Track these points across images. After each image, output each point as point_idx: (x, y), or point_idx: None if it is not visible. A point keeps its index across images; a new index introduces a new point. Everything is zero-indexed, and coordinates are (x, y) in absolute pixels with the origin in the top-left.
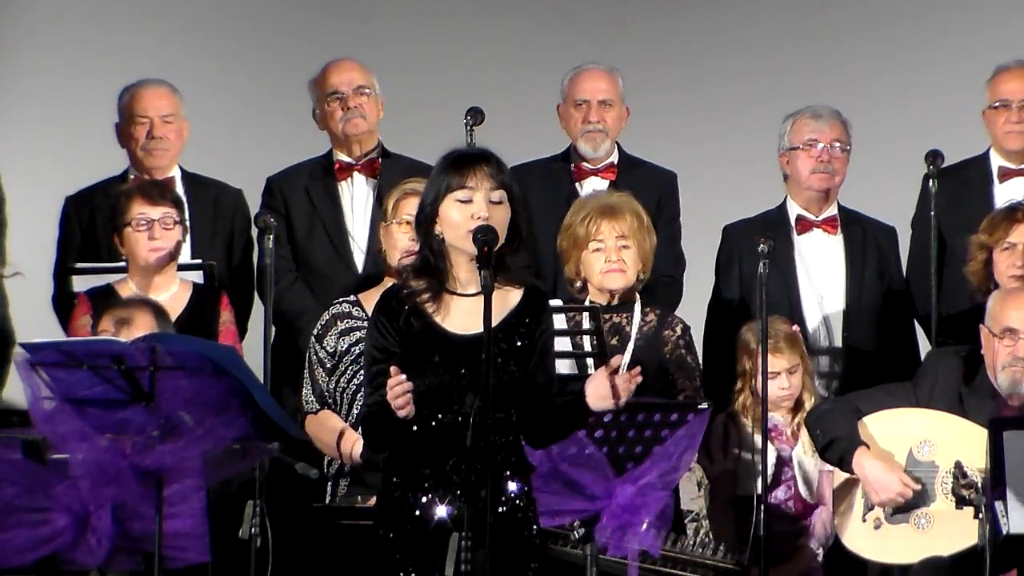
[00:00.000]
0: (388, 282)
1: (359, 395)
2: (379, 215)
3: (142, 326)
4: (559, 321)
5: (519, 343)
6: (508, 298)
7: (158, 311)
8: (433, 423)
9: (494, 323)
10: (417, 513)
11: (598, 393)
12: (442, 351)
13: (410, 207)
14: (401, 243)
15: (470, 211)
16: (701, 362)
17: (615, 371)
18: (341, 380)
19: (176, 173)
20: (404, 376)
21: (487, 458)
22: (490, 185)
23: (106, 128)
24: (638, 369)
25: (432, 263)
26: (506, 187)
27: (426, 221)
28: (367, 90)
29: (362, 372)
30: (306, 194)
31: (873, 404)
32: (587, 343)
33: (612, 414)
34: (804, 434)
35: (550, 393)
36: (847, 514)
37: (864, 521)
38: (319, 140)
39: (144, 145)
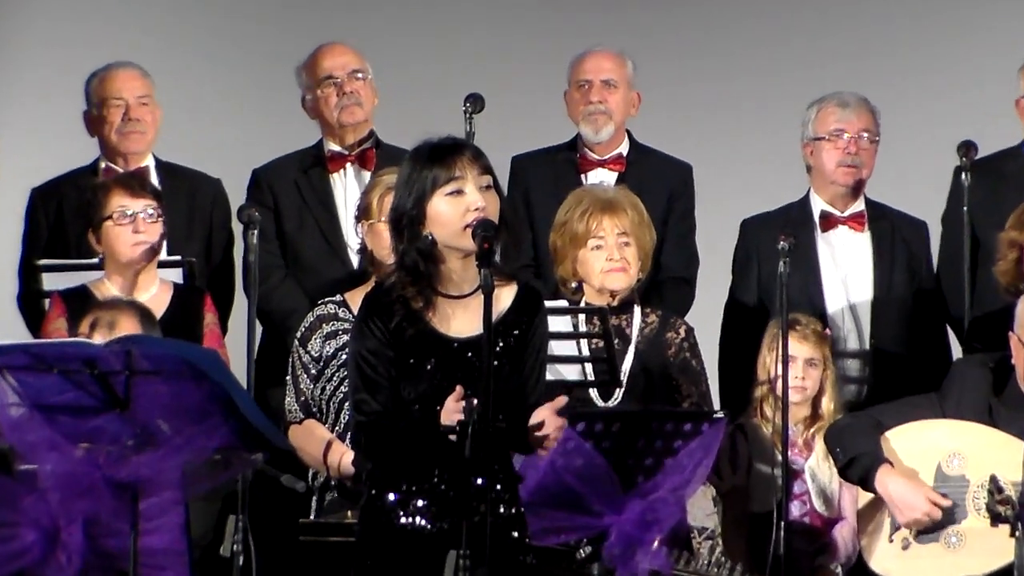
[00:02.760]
0: (377, 281)
1: (347, 403)
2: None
3: (127, 330)
4: (564, 323)
5: (514, 344)
6: (501, 296)
7: (144, 313)
8: (428, 433)
9: (482, 328)
10: (405, 529)
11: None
12: (437, 356)
13: None
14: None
15: (464, 204)
16: (716, 369)
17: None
18: (327, 387)
19: (150, 162)
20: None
21: (486, 469)
22: (478, 171)
23: (74, 117)
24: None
25: (422, 268)
26: (491, 172)
27: (410, 224)
28: (362, 74)
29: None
30: (295, 186)
31: (896, 417)
32: (585, 347)
33: (620, 423)
34: (819, 445)
35: (540, 395)
36: (874, 535)
37: (891, 542)
38: (303, 128)
39: (120, 128)
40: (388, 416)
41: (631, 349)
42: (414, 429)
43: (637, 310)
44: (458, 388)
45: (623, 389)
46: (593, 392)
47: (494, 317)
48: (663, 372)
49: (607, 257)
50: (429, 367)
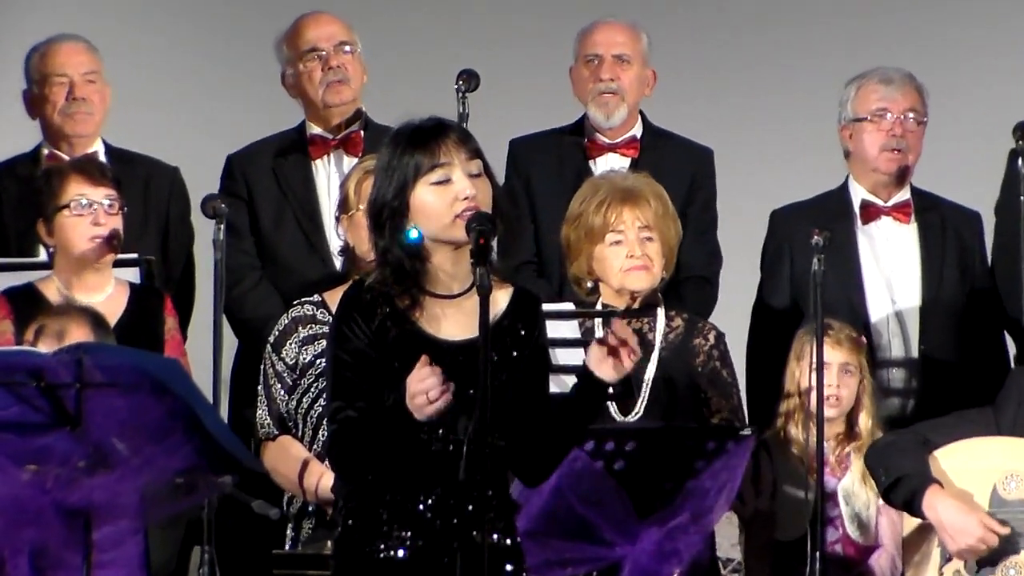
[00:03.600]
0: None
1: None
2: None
3: (77, 338)
4: (570, 329)
5: (514, 353)
6: (496, 299)
7: (96, 320)
8: (420, 452)
9: (474, 332)
10: (386, 561)
11: (600, 359)
12: (417, 356)
13: None
14: None
15: (451, 193)
16: (744, 380)
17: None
18: (304, 399)
19: (99, 148)
20: (437, 369)
21: (480, 494)
22: (466, 156)
23: (12, 98)
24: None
25: (407, 267)
26: (481, 156)
27: (392, 217)
28: (350, 48)
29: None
30: (273, 175)
31: (946, 434)
32: None
33: (635, 441)
34: (855, 464)
35: (547, 406)
36: (921, 566)
37: (942, 574)
38: (280, 109)
39: (64, 109)
40: (364, 422)
41: (653, 357)
42: (389, 431)
43: (661, 313)
44: (423, 357)
45: (644, 403)
46: (611, 406)
47: (491, 321)
48: (689, 383)
49: (627, 253)
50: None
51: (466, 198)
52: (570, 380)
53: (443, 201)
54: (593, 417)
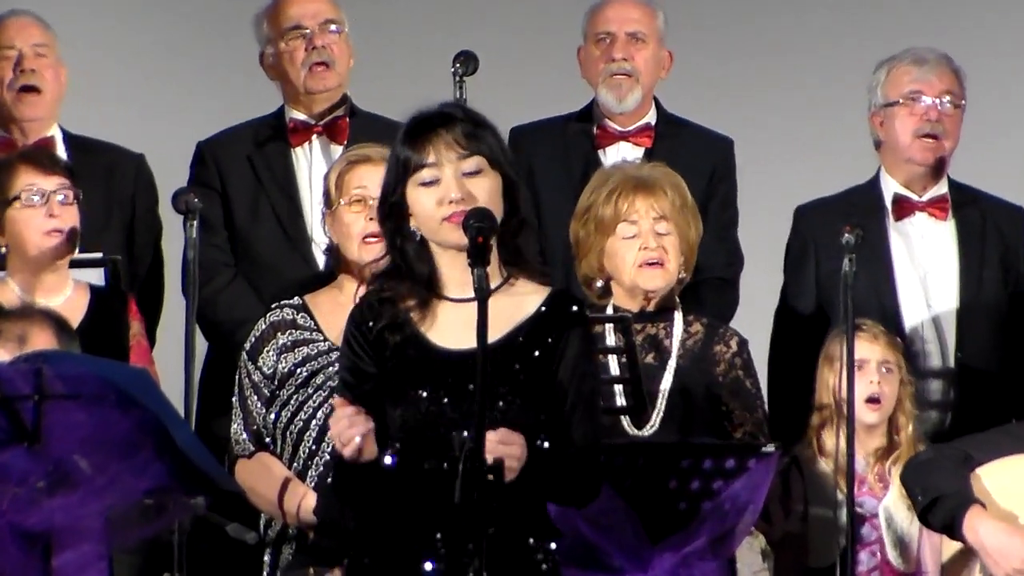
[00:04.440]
0: (344, 281)
1: (308, 432)
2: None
3: (39, 345)
4: None
5: (532, 367)
6: (525, 302)
7: (60, 324)
8: (417, 471)
9: (501, 334)
10: None
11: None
12: (426, 371)
13: (359, 179)
14: (356, 226)
15: (438, 195)
16: (765, 390)
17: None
18: (283, 412)
19: (55, 133)
20: (352, 408)
21: (482, 517)
22: (457, 154)
23: None
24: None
25: (405, 270)
26: (483, 151)
27: (392, 215)
28: (337, 27)
29: (311, 401)
30: (249, 164)
31: (989, 450)
32: (613, 364)
33: (646, 458)
34: (897, 480)
35: (594, 451)
36: None
37: None
38: (258, 92)
39: (12, 83)
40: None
41: (670, 365)
42: (387, 473)
43: (678, 317)
44: (336, 398)
45: (659, 416)
46: (624, 420)
47: (509, 327)
48: (709, 395)
49: (641, 246)
50: (420, 389)
51: (452, 201)
52: None
53: (431, 203)
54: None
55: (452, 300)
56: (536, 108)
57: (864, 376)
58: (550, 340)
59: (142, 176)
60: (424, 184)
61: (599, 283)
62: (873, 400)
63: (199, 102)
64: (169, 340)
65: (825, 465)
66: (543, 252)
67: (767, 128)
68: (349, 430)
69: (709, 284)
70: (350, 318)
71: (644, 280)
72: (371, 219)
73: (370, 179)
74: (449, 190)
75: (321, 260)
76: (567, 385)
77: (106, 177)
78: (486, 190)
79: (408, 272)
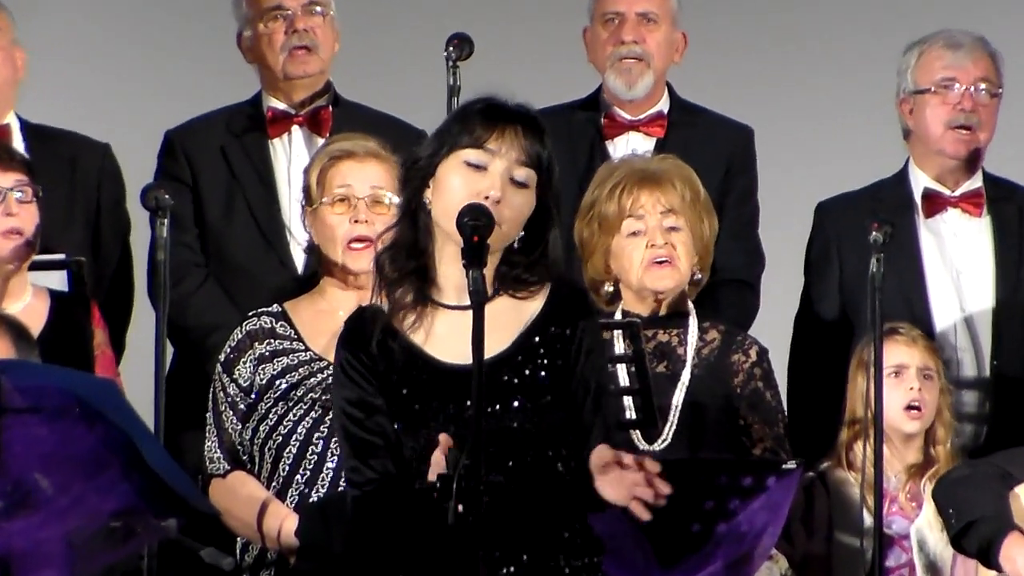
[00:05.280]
0: (327, 286)
1: (288, 448)
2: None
3: None
4: None
5: (548, 361)
6: (527, 305)
7: (19, 332)
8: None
9: (506, 344)
10: None
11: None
12: (436, 392)
13: (342, 176)
14: (340, 229)
15: (478, 184)
16: (785, 401)
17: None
18: (261, 428)
19: (12, 122)
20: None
21: (480, 539)
22: (517, 156)
23: None
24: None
25: (411, 240)
26: (539, 167)
27: (416, 178)
28: (321, 8)
29: (291, 415)
30: (222, 156)
31: None
32: (622, 374)
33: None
34: (930, 499)
35: (607, 437)
36: None
37: None
38: (235, 77)
39: None
40: (389, 484)
41: (684, 375)
42: (400, 500)
43: (693, 323)
44: (443, 437)
45: (672, 429)
46: (635, 434)
47: (514, 333)
48: (726, 408)
49: (648, 243)
50: (418, 408)
51: (487, 197)
52: None
53: (464, 187)
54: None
55: (447, 307)
56: (537, 96)
57: (903, 383)
58: (561, 334)
59: (107, 168)
60: (468, 164)
61: (607, 287)
62: (914, 408)
63: (170, 86)
64: (136, 348)
65: (853, 482)
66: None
67: (787, 117)
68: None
69: (727, 287)
70: (342, 341)
71: (652, 280)
72: (356, 221)
73: (355, 177)
74: (492, 185)
75: (300, 261)
76: (583, 381)
77: (68, 169)
78: (519, 206)
79: (412, 244)
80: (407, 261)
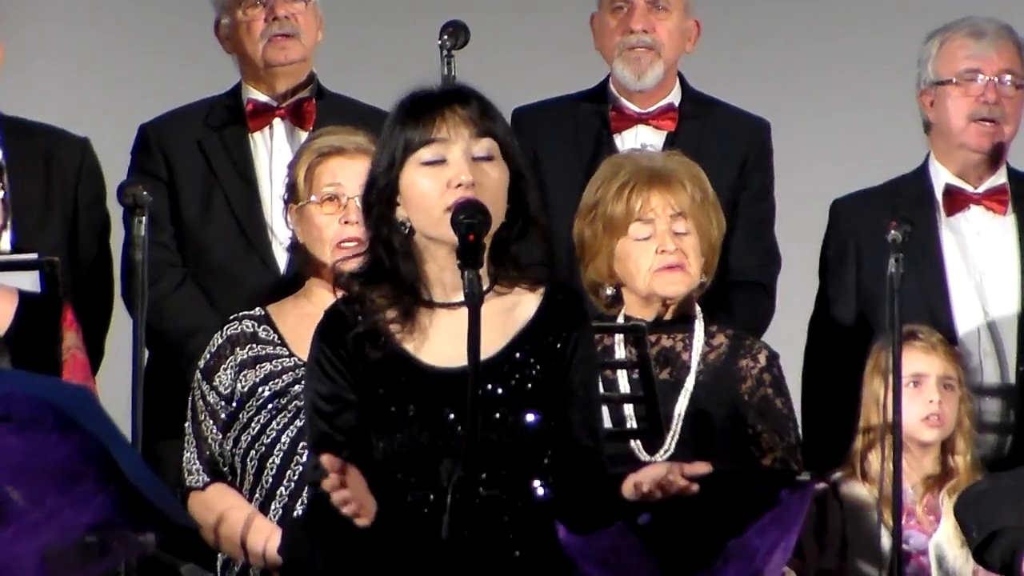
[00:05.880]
0: (313, 287)
1: (272, 459)
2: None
3: None
4: None
5: (537, 374)
6: (520, 308)
7: None
8: (402, 506)
9: (501, 345)
10: None
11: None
12: (417, 395)
13: (331, 174)
14: (329, 229)
15: (444, 177)
16: (799, 409)
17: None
18: (243, 437)
19: None
20: (337, 464)
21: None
22: (470, 132)
23: None
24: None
25: (390, 267)
26: (497, 136)
27: (379, 202)
28: None
29: (275, 424)
30: (199, 150)
31: None
32: (623, 381)
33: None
34: (950, 513)
35: (598, 455)
36: None
37: None
38: (215, 68)
39: None
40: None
41: (689, 382)
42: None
43: (699, 327)
44: (326, 458)
45: (675, 439)
46: (636, 444)
47: (509, 337)
48: (733, 416)
49: (657, 248)
50: (406, 414)
51: (460, 185)
52: None
53: (433, 187)
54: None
55: (439, 306)
56: (538, 87)
57: (922, 394)
58: (553, 343)
59: (87, 163)
60: (427, 164)
61: (609, 291)
62: (932, 417)
63: (154, 79)
64: (111, 353)
65: (868, 494)
66: (552, 253)
67: (801, 109)
68: (349, 504)
69: (740, 289)
70: (319, 333)
71: (662, 286)
72: (347, 222)
73: (344, 174)
74: (459, 172)
75: (283, 261)
76: (572, 393)
77: (44, 163)
78: (495, 180)
79: (391, 272)
80: (389, 287)
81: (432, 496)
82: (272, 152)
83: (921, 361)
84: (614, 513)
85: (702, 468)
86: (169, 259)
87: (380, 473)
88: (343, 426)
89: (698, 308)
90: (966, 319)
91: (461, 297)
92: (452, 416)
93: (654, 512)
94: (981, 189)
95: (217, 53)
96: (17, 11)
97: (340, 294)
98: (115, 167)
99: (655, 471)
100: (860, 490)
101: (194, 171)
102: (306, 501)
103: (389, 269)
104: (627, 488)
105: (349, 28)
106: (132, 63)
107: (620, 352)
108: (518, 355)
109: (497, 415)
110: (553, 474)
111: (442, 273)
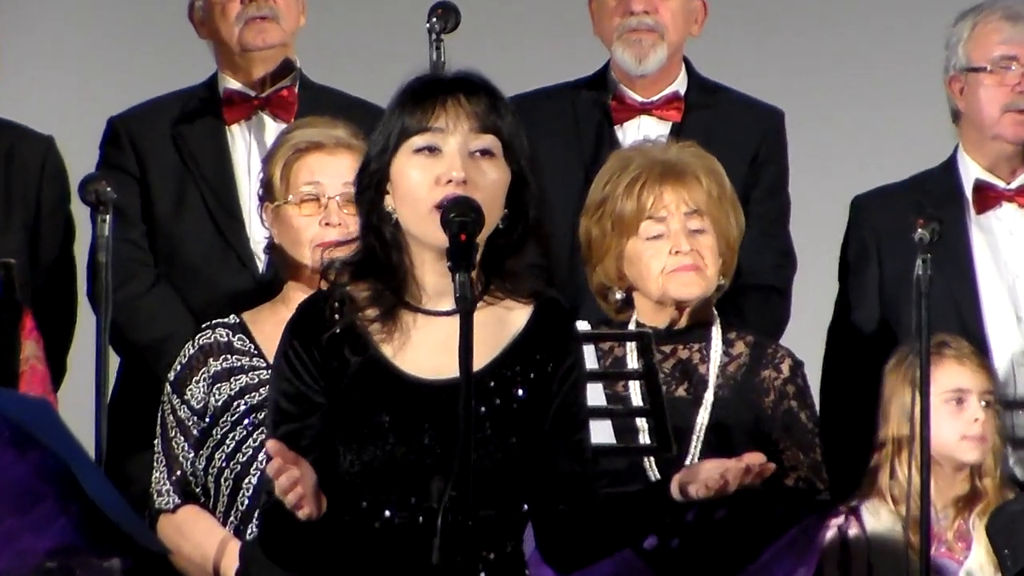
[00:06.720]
0: (291, 291)
1: (248, 479)
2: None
3: None
4: (587, 358)
5: (523, 393)
6: (509, 320)
7: None
8: (377, 525)
9: (487, 361)
10: None
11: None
12: (394, 406)
13: (310, 172)
14: (308, 231)
15: (435, 168)
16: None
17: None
18: (216, 455)
19: None
20: (289, 454)
21: None
22: (470, 126)
23: None
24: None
25: (382, 258)
26: (500, 132)
27: (370, 187)
28: None
29: (251, 441)
30: (172, 143)
31: None
32: (635, 393)
33: (674, 514)
34: (982, 537)
35: (586, 481)
36: None
37: None
38: (189, 57)
39: None
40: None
41: (708, 397)
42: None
43: (716, 334)
44: (271, 443)
45: (694, 458)
46: (649, 463)
47: (498, 350)
48: (755, 433)
49: (672, 249)
50: (382, 422)
51: (451, 181)
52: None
53: (422, 180)
54: (638, 531)
55: (425, 312)
56: (533, 73)
57: (964, 412)
58: (544, 362)
59: (50, 163)
60: (419, 151)
61: (618, 294)
62: (974, 437)
63: (121, 71)
64: (74, 362)
65: (893, 517)
66: (547, 254)
67: (819, 97)
68: (292, 491)
69: (753, 293)
70: (290, 327)
71: (676, 288)
72: (328, 224)
73: (324, 172)
74: (451, 166)
75: (263, 261)
76: (564, 403)
77: (4, 162)
78: (492, 180)
79: (383, 262)
80: (380, 282)
81: (421, 518)
82: (250, 146)
83: (960, 376)
84: (663, 513)
85: (758, 459)
86: (141, 258)
87: (344, 487)
88: (307, 431)
89: (715, 313)
90: (998, 326)
91: (446, 305)
92: (431, 431)
93: (661, 534)
94: (1014, 185)
95: (193, 46)
96: None
97: (324, 286)
98: (85, 167)
99: (706, 468)
100: (885, 513)
101: (167, 165)
102: (258, 514)
103: (383, 260)
104: (674, 489)
105: (331, 12)
106: (103, 57)
107: (632, 362)
108: (505, 372)
109: (479, 434)
110: (534, 506)
111: (427, 278)
